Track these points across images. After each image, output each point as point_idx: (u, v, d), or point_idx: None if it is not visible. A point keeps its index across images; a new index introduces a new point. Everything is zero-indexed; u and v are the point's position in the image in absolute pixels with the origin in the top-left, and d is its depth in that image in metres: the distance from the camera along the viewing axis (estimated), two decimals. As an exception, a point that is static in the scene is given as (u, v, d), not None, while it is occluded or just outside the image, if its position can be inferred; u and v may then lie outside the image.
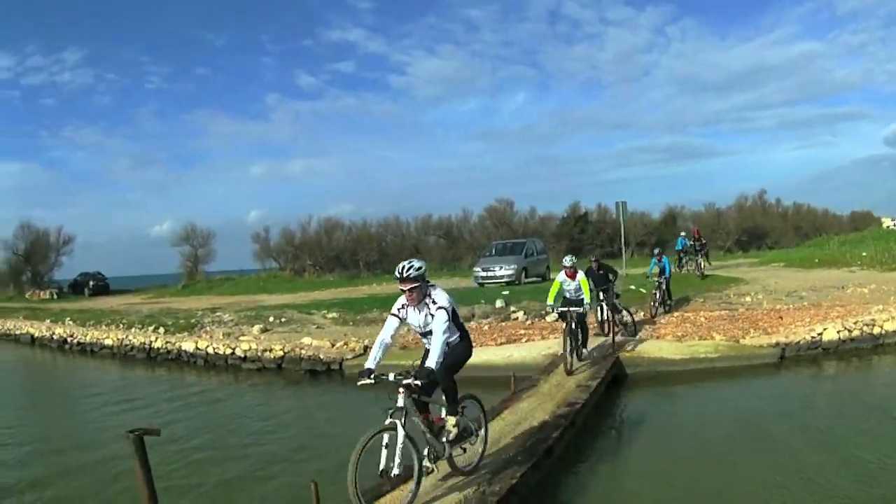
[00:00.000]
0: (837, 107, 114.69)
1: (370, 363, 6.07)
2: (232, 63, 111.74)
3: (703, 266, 25.33)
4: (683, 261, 26.84)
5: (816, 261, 27.96)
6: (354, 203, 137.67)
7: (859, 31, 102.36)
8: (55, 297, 41.76)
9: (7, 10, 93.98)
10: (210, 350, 18.74)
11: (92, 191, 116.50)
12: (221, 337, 19.77)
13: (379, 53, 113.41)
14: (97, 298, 39.90)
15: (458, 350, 6.56)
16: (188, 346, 19.48)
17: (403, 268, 6.11)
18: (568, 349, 12.01)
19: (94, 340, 22.87)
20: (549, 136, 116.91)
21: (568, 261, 12.74)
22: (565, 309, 12.30)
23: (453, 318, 6.35)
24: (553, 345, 14.65)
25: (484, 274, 27.78)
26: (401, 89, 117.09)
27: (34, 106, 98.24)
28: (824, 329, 14.21)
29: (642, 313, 17.73)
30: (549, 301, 12.71)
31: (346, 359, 16.09)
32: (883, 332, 14.14)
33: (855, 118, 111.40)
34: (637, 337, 15.27)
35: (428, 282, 6.28)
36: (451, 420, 6.39)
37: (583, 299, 12.37)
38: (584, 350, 12.77)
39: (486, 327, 18.56)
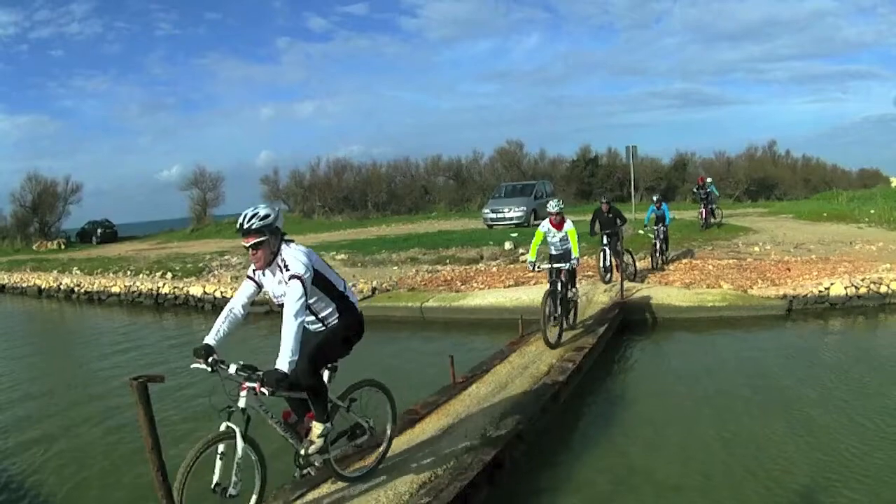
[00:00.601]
0: (849, 64, 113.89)
1: (210, 338, 4.72)
2: (242, 7, 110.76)
3: (704, 216, 24.09)
4: (708, 207, 25.79)
5: (825, 214, 27.76)
6: (364, 144, 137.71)
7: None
8: (62, 246, 41.38)
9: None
10: (218, 294, 18.93)
11: (101, 138, 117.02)
12: (229, 280, 19.91)
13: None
14: (105, 246, 39.79)
15: (329, 333, 5.08)
16: (196, 290, 19.66)
17: (245, 217, 4.65)
18: (550, 317, 10.03)
19: (102, 289, 22.88)
20: (561, 79, 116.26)
21: (554, 206, 10.60)
22: (550, 266, 10.53)
23: (323, 286, 4.92)
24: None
25: (493, 215, 27.77)
26: (412, 31, 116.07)
27: (42, 58, 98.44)
28: (832, 284, 14.16)
29: (650, 259, 17.53)
30: (531, 257, 10.83)
31: (354, 300, 16.12)
32: (890, 291, 14.02)
33: (866, 77, 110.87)
34: (645, 283, 15.28)
35: (282, 236, 4.84)
36: (317, 428, 5.00)
37: (569, 251, 10.57)
38: (572, 315, 11.02)
39: (494, 269, 18.61)
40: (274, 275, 4.81)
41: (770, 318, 13.26)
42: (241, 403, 4.52)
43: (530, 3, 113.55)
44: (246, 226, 4.62)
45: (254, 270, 4.91)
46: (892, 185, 58.36)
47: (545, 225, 10.79)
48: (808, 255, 17.99)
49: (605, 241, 15.07)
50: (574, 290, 11.01)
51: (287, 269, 4.67)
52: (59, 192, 46.83)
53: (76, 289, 23.99)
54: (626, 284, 13.97)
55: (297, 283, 4.60)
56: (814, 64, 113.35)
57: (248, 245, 4.69)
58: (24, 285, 27.04)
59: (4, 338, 17.75)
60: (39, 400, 10.94)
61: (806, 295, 13.94)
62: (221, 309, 4.90)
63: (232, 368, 4.54)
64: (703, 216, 23.90)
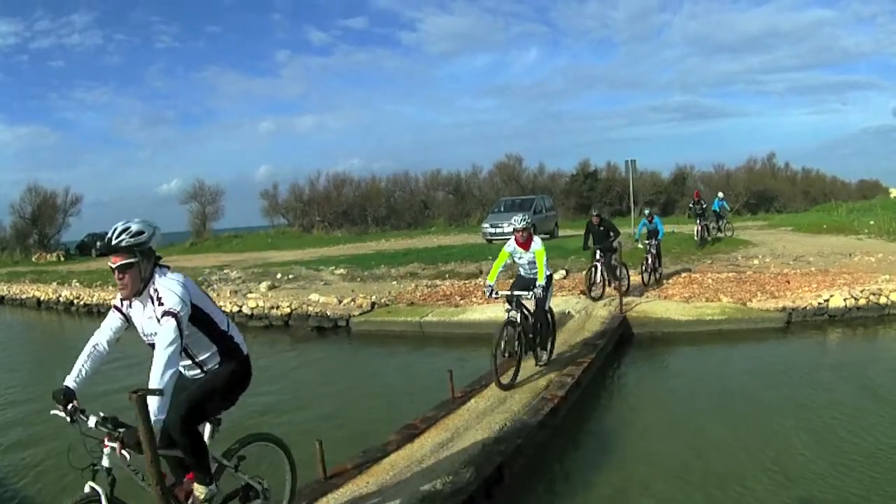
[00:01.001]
0: (848, 75, 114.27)
1: (70, 380, 4.01)
2: (242, 20, 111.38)
3: (700, 233, 22.90)
4: (721, 224, 25.54)
5: (824, 226, 27.82)
6: (364, 158, 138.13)
7: (869, 1, 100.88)
8: (62, 258, 41.36)
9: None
10: (216, 309, 18.66)
11: (101, 151, 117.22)
12: (228, 294, 19.79)
13: (390, 9, 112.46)
14: (105, 259, 39.36)
15: (209, 382, 4.30)
16: (195, 305, 19.43)
17: (114, 231, 3.96)
18: (504, 353, 8.57)
19: (101, 301, 22.64)
20: (560, 93, 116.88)
21: (519, 221, 8.98)
22: (510, 292, 8.90)
23: (203, 323, 4.16)
24: (560, 302, 14.67)
25: (492, 230, 27.79)
26: (412, 45, 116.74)
27: (43, 69, 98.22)
28: (831, 296, 14.16)
29: (640, 276, 16.73)
30: (489, 279, 9.15)
31: (353, 315, 16.18)
32: (889, 302, 14.01)
33: (865, 87, 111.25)
34: (644, 297, 15.23)
35: (156, 260, 4.10)
36: (200, 492, 4.24)
37: (535, 279, 8.96)
38: (544, 353, 9.55)
39: (493, 285, 18.58)
40: (144, 307, 4.02)
41: (769, 330, 13.24)
42: (105, 462, 3.79)
43: (529, 17, 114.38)
44: (114, 242, 3.92)
45: (121, 300, 4.14)
46: (892, 195, 58.60)
47: (510, 244, 9.17)
48: (807, 268, 18.02)
49: (598, 255, 14.55)
50: (546, 321, 9.37)
51: (160, 304, 3.89)
52: (59, 204, 46.96)
53: (75, 301, 23.90)
54: (625, 298, 13.97)
55: (170, 322, 3.82)
56: (813, 75, 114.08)
57: (114, 266, 3.95)
58: (24, 297, 26.99)
59: (10, 350, 17.91)
60: (32, 405, 10.94)
61: (805, 307, 13.93)
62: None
63: (91, 421, 3.79)
64: (699, 232, 23.01)
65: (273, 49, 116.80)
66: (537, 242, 8.96)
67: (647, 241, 16.60)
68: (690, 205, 25.00)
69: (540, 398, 8.10)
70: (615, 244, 14.56)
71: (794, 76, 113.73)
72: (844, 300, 13.99)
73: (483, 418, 7.43)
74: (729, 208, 28.57)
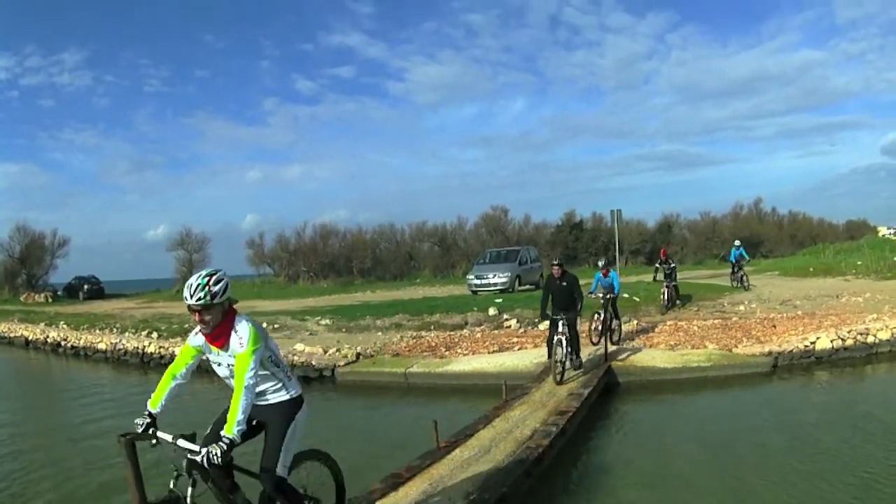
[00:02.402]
0: (836, 115, 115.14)
1: None
2: (231, 66, 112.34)
3: (667, 297, 20.37)
4: (737, 274, 24.44)
5: (811, 270, 28.05)
6: (349, 209, 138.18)
7: (858, 39, 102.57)
8: (50, 300, 42.01)
9: (6, 11, 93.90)
10: (203, 356, 18.52)
11: (89, 193, 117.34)
12: (213, 343, 19.55)
13: (378, 59, 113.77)
14: (92, 302, 40.28)
15: None
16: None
17: None
18: None
19: (88, 344, 22.98)
20: (546, 143, 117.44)
21: (195, 289, 4.83)
22: (175, 443, 4.31)
23: None
24: (543, 352, 14.56)
25: (478, 281, 27.82)
26: (399, 95, 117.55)
27: (33, 107, 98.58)
28: (817, 338, 14.19)
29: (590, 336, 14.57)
30: (151, 406, 4.80)
31: (339, 365, 16.02)
32: (877, 341, 14.11)
33: (853, 127, 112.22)
34: (630, 345, 15.15)
35: None
36: None
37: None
38: None
39: (478, 335, 18.51)
40: None
41: (755, 375, 13.21)
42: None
43: (516, 66, 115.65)
44: None
45: None
46: (880, 234, 59.23)
47: (197, 336, 4.95)
48: (794, 311, 18.09)
49: (560, 327, 11.56)
50: (291, 491, 4.82)
51: None
52: (47, 245, 47.74)
53: (63, 343, 24.17)
54: (611, 347, 13.89)
55: None
56: (801, 117, 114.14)
57: None
58: (12, 335, 27.38)
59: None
60: (31, 455, 10.77)
61: (791, 350, 13.93)
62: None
63: None
64: (666, 296, 20.37)
65: (261, 96, 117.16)
66: (242, 334, 4.67)
67: (600, 296, 14.74)
68: (657, 265, 22.31)
69: (525, 448, 7.99)
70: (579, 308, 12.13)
71: (783, 120, 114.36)
72: (831, 341, 14.02)
73: (468, 468, 7.31)
74: (748, 258, 26.32)
